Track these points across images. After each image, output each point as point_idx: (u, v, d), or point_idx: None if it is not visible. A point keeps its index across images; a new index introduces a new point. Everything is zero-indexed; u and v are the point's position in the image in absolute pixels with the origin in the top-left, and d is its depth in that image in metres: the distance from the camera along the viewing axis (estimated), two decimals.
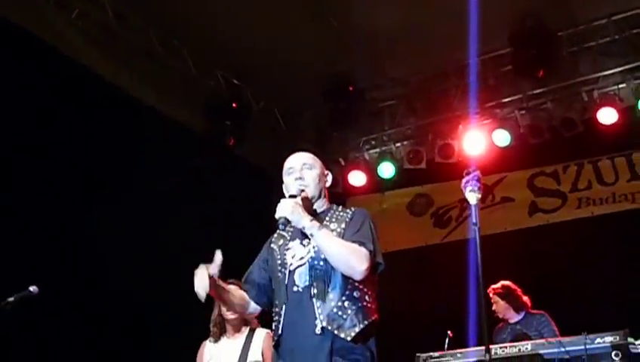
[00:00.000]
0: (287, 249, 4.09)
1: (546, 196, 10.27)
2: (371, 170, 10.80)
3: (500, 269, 7.71)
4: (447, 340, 7.22)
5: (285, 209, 3.96)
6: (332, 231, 4.02)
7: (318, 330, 3.86)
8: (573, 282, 8.87)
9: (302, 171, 4.17)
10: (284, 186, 4.24)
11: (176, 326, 8.05)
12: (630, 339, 6.26)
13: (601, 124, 9.40)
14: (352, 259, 3.87)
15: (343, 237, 3.98)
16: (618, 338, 6.25)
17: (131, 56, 9.18)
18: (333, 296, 3.89)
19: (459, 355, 6.92)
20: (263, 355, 5.73)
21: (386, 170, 10.65)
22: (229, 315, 5.87)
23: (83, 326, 7.79)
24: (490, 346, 6.06)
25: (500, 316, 7.83)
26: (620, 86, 9.50)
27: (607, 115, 9.36)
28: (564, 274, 9.14)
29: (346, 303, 3.88)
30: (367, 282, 3.97)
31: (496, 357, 6.58)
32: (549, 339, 6.72)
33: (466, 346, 7.22)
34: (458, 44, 9.10)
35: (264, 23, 9.09)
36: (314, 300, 3.90)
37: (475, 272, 4.43)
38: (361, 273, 3.87)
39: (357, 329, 3.85)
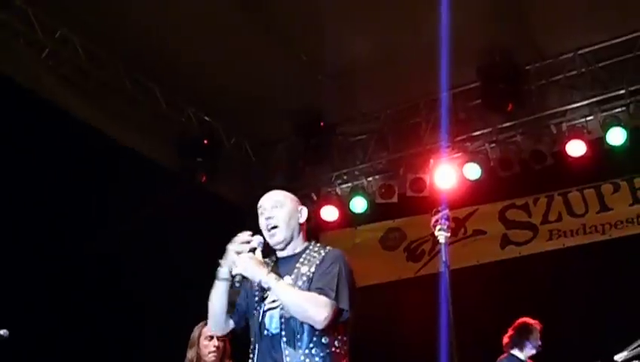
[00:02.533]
0: (264, 299, 4.03)
1: (517, 228, 10.31)
2: (343, 205, 10.80)
3: (473, 303, 7.72)
4: None
5: (240, 266, 3.93)
6: (303, 274, 3.97)
7: None
8: (545, 314, 8.87)
9: (272, 210, 4.11)
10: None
11: None
12: None
13: (570, 156, 9.49)
14: (310, 309, 3.81)
15: (311, 281, 3.93)
16: None
17: (102, 93, 9.16)
18: (301, 343, 3.84)
19: None
20: None
21: (358, 204, 10.66)
22: (211, 357, 5.77)
23: None
24: None
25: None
26: (588, 118, 9.61)
27: (576, 148, 9.45)
28: (537, 306, 9.15)
29: (313, 350, 3.83)
30: (338, 326, 3.93)
31: None
32: None
33: None
34: (428, 78, 9.17)
35: (234, 60, 9.14)
36: (283, 346, 3.86)
37: (446, 311, 4.44)
38: (320, 322, 3.82)
39: None
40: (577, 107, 9.65)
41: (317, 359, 3.83)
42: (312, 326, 3.85)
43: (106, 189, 8.60)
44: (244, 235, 4.07)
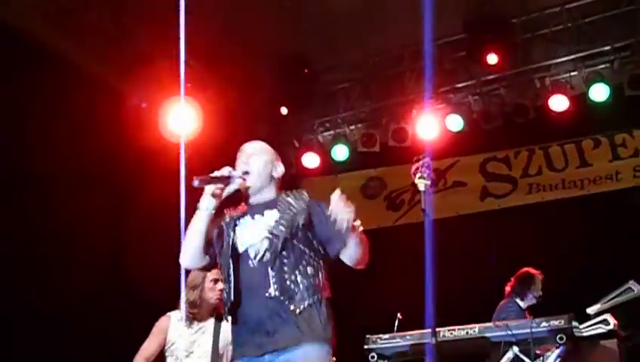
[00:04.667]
0: (236, 227, 4.11)
1: (497, 181, 10.39)
2: (325, 153, 10.81)
3: (452, 253, 7.77)
4: (396, 322, 7.25)
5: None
6: (291, 208, 4.10)
7: (271, 295, 3.92)
8: (523, 266, 8.98)
9: (249, 157, 4.21)
10: None
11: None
12: (574, 323, 6.40)
13: (553, 111, 9.54)
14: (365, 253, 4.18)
15: (309, 217, 4.09)
16: (563, 322, 6.38)
17: (85, 32, 9.05)
18: (287, 268, 3.97)
19: (408, 337, 6.98)
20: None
21: (340, 152, 10.68)
22: (214, 299, 5.70)
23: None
24: (439, 329, 6.15)
25: None
26: (572, 74, 9.64)
27: (559, 102, 9.51)
28: (515, 259, 9.24)
29: (298, 277, 3.97)
30: (323, 261, 4.11)
31: (444, 339, 6.67)
32: (497, 323, 6.84)
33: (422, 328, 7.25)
34: (413, 27, 9.10)
35: (217, 5, 9.03)
36: (269, 270, 3.95)
37: (429, 259, 4.51)
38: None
39: (305, 304, 3.93)
40: (562, 62, 9.67)
41: (301, 286, 3.96)
42: (298, 255, 4.01)
43: (86, 126, 8.51)
44: (224, 171, 4.12)
